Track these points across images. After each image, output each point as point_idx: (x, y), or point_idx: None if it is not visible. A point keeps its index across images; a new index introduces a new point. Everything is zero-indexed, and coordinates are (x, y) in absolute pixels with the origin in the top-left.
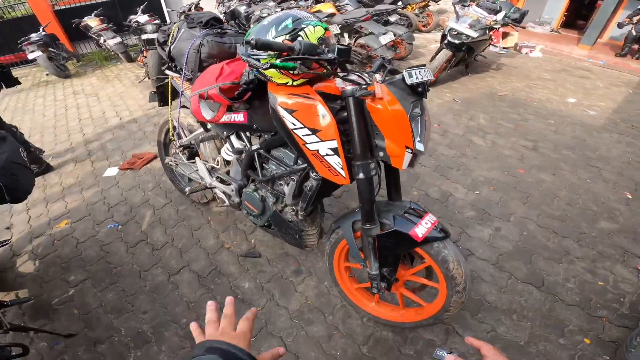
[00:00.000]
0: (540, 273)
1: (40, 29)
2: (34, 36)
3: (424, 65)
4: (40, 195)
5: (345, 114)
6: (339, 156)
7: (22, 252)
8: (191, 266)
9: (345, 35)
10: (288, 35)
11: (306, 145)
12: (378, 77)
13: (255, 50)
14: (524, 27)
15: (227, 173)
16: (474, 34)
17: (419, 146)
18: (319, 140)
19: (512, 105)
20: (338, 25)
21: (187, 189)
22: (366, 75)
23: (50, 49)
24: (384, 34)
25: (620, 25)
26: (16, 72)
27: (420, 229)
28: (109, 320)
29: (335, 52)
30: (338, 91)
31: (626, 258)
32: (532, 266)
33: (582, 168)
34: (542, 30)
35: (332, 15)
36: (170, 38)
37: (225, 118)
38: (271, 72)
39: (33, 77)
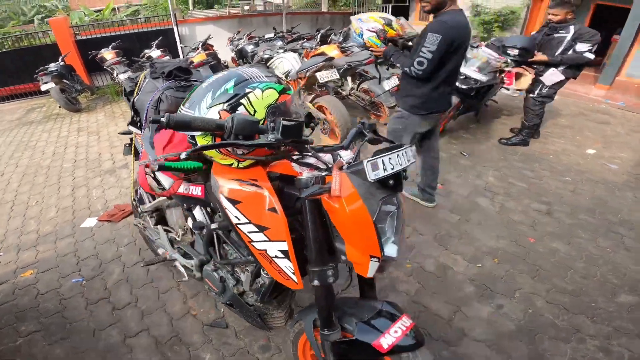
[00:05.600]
0: (544, 354)
1: (60, 59)
2: (51, 66)
3: (402, 145)
4: (14, 241)
5: None
6: (289, 260)
7: None
8: (151, 330)
9: (349, 79)
10: (227, 104)
11: (252, 243)
12: (348, 153)
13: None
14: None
15: (192, 244)
16: (482, 78)
17: (390, 251)
18: (267, 239)
19: (525, 159)
20: (338, 69)
21: (158, 251)
22: (327, 157)
23: (65, 80)
24: (388, 78)
25: None
26: (32, 102)
27: (387, 339)
28: None
29: (280, 131)
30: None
31: None
32: (535, 347)
33: (602, 235)
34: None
35: (330, 59)
36: (136, 88)
37: (182, 189)
38: (210, 151)
39: (47, 109)
